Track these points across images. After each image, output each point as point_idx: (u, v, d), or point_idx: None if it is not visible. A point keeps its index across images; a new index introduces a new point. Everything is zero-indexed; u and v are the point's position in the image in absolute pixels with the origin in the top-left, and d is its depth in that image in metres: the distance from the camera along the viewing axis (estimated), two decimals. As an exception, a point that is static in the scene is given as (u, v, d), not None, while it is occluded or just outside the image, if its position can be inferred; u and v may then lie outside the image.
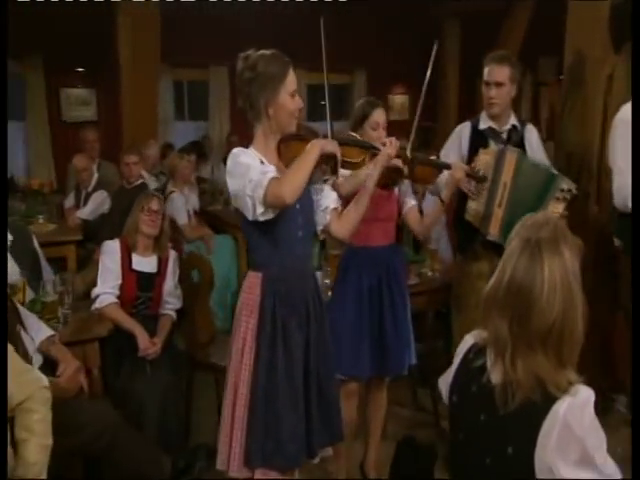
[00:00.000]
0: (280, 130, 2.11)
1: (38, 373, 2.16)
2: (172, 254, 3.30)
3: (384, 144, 2.35)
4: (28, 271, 3.19)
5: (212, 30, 7.42)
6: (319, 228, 2.25)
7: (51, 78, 7.16)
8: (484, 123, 3.02)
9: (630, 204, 2.78)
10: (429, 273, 3.64)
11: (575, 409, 1.28)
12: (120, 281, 3.10)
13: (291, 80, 2.08)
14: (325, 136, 2.17)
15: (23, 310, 2.69)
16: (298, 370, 2.09)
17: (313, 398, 2.13)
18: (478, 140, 2.99)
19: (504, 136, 3.00)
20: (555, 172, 2.91)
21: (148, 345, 2.99)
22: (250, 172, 1.97)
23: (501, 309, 1.39)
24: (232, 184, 2.02)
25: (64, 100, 7.30)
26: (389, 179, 2.51)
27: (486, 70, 2.92)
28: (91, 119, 7.34)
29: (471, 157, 2.90)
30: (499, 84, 2.90)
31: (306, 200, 2.14)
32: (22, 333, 2.53)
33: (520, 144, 2.99)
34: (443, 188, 2.76)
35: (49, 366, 2.53)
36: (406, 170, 2.47)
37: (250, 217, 1.98)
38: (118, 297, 3.08)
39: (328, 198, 2.25)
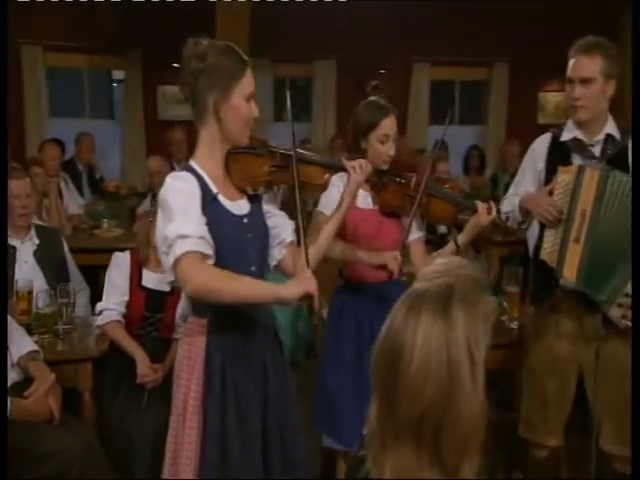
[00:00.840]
0: (230, 139, 1.84)
1: None
2: None
3: (353, 168, 2.00)
4: (52, 278, 3.05)
5: (317, 20, 6.91)
6: (273, 263, 1.98)
7: (149, 75, 6.98)
8: (568, 133, 2.39)
9: None
10: (506, 322, 2.90)
11: None
12: (127, 298, 2.80)
13: (248, 82, 1.83)
14: (282, 153, 1.92)
15: (8, 320, 2.52)
16: (256, 439, 1.81)
17: (275, 467, 1.85)
18: (558, 155, 2.40)
19: (595, 149, 2.35)
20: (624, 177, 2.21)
21: (147, 372, 2.63)
22: (171, 223, 1.71)
23: (373, 381, 1.10)
24: (159, 220, 1.77)
25: (160, 98, 7.08)
26: (396, 207, 2.35)
27: (570, 63, 2.32)
28: (186, 118, 7.06)
29: (549, 178, 2.37)
30: (585, 80, 2.27)
31: (259, 227, 1.91)
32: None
33: (619, 159, 2.30)
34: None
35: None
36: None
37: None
38: (124, 315, 2.76)
39: (285, 229, 1.98)
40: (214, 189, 1.81)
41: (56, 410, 2.36)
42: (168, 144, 5.67)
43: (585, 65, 2.27)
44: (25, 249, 3.10)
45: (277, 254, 1.98)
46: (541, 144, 2.47)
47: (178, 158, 5.34)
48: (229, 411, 1.76)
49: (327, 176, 2.01)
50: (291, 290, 1.68)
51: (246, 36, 5.89)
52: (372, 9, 6.93)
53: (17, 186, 3.03)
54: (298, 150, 1.94)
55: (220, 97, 1.78)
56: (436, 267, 1.11)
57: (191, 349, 1.81)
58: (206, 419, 1.76)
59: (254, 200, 1.93)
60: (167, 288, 2.73)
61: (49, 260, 3.15)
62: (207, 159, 1.84)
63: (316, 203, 2.51)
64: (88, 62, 6.80)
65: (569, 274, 2.25)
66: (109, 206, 5.26)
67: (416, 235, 2.48)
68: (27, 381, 2.43)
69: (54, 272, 3.11)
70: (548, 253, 2.29)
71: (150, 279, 2.77)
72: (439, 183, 2.54)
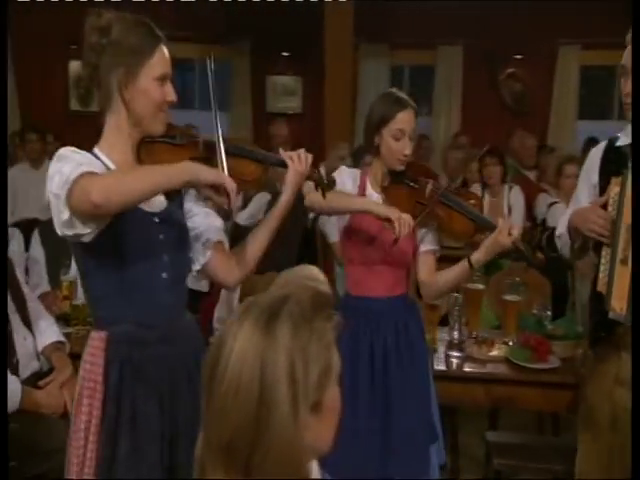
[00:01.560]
0: (139, 125, 1.65)
1: None
2: None
3: (291, 158, 1.78)
4: None
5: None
6: (196, 267, 1.79)
7: (257, 65, 6.78)
8: (626, 137, 2.07)
9: None
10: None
11: None
12: None
13: (160, 61, 1.63)
14: (206, 141, 1.70)
15: (36, 309, 2.59)
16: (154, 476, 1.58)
17: None
18: (614, 165, 2.08)
19: None
20: None
21: None
22: (65, 165, 1.50)
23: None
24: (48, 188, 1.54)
25: (270, 89, 6.85)
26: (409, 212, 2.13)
27: (626, 51, 2.00)
28: (296, 111, 6.79)
29: (604, 188, 2.08)
30: None
31: (174, 228, 1.70)
32: (19, 333, 2.46)
33: None
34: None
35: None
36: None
37: (58, 230, 1.52)
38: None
39: (210, 228, 1.77)
40: (109, 164, 1.63)
41: (70, 404, 2.22)
42: (271, 138, 5.42)
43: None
44: None
45: (200, 257, 1.77)
46: (596, 153, 2.17)
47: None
48: (122, 440, 1.56)
49: (260, 171, 1.77)
50: (209, 171, 1.55)
51: (350, 21, 5.61)
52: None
53: None
54: (230, 141, 1.72)
55: (125, 77, 1.59)
56: (283, 276, 1.03)
57: (91, 368, 1.62)
58: (100, 451, 1.57)
59: (173, 197, 1.71)
60: (204, 288, 2.36)
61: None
62: (113, 149, 1.65)
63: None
64: (198, 52, 6.71)
65: (618, 305, 1.93)
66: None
67: (427, 247, 2.28)
68: (50, 372, 2.44)
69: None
70: (603, 284, 1.98)
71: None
72: (460, 196, 2.27)
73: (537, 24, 6.27)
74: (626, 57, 1.99)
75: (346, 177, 2.29)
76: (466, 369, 2.50)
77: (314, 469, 1.09)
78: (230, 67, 6.96)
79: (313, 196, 2.08)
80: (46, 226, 3.26)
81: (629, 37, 1.98)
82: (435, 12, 6.37)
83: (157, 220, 1.65)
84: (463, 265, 2.17)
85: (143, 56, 1.60)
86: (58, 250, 2.96)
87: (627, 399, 1.94)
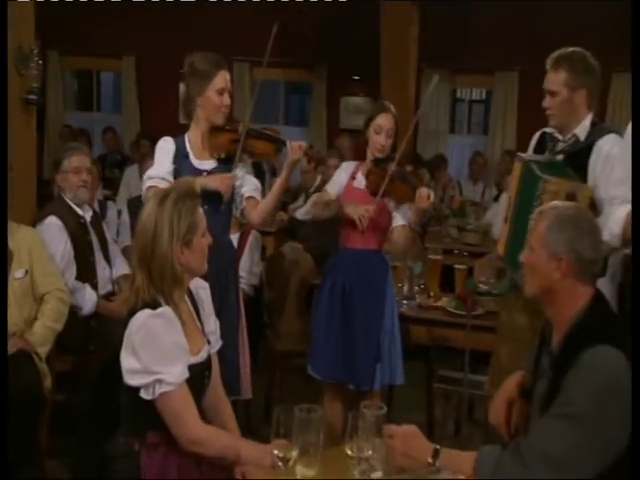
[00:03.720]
0: (207, 120, 2.60)
1: (60, 279, 3.02)
2: (254, 234, 3.65)
3: (292, 146, 2.59)
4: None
5: (499, 29, 6.87)
6: (237, 212, 2.72)
7: (333, 87, 7.54)
8: (549, 129, 2.63)
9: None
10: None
11: None
12: None
13: (220, 81, 2.56)
14: (242, 129, 2.61)
15: (116, 251, 3.58)
16: None
17: None
18: (539, 147, 2.67)
19: (562, 145, 2.55)
20: (536, 171, 2.37)
21: None
22: (156, 163, 2.63)
23: None
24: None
25: (343, 108, 7.60)
26: (373, 188, 2.82)
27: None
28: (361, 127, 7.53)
29: None
30: (552, 93, 2.48)
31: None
32: (100, 264, 3.37)
33: (577, 156, 2.48)
34: None
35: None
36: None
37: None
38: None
39: (246, 186, 2.70)
40: (188, 149, 2.64)
41: None
42: (338, 149, 6.07)
43: (550, 79, 2.48)
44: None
45: (239, 204, 2.68)
46: (535, 136, 2.70)
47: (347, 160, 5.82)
48: None
49: (271, 149, 2.72)
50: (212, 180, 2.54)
51: (410, 45, 6.23)
52: (564, 11, 6.55)
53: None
54: (252, 128, 2.67)
55: (198, 90, 2.56)
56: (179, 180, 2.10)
57: None
58: None
59: (224, 163, 2.64)
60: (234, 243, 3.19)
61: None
62: (192, 132, 2.66)
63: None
64: (284, 75, 7.67)
65: (499, 249, 2.57)
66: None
67: (400, 222, 2.89)
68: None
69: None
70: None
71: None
72: (411, 174, 3.03)
73: (593, 51, 6.66)
74: (544, 82, 2.51)
75: (343, 169, 3.02)
76: (411, 313, 3.19)
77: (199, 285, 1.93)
78: (310, 89, 7.85)
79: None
80: (133, 200, 4.32)
81: (548, 62, 2.51)
82: (493, 40, 6.92)
83: (205, 174, 2.59)
84: (406, 228, 2.88)
85: (209, 77, 2.54)
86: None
87: (522, 321, 2.57)
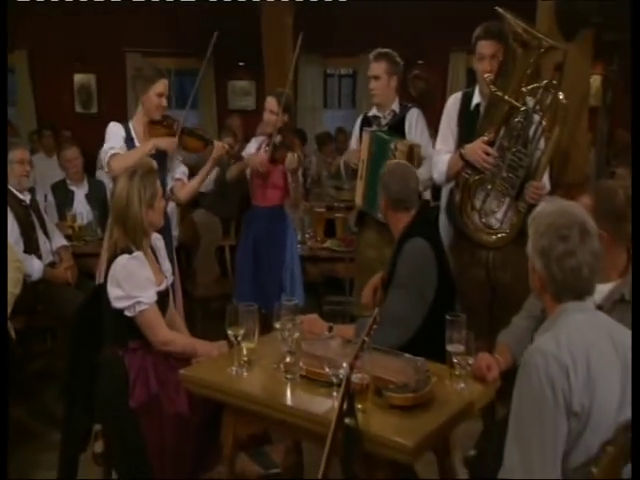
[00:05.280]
0: (147, 115, 3.23)
1: (14, 252, 3.39)
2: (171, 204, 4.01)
3: (217, 145, 3.37)
4: (97, 212, 4.59)
5: (363, 18, 7.75)
6: (168, 188, 3.32)
7: (220, 72, 8.08)
8: (371, 111, 3.45)
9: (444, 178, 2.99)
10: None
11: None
12: None
13: (159, 86, 3.17)
14: (177, 125, 3.24)
15: (53, 228, 4.04)
16: None
17: None
18: (365, 125, 3.40)
19: (384, 120, 3.35)
20: (386, 137, 3.14)
21: None
22: (111, 139, 3.19)
23: None
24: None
25: (230, 91, 8.28)
26: (276, 157, 3.51)
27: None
28: (250, 108, 8.20)
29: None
30: (376, 77, 3.28)
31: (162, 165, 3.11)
32: (41, 239, 3.86)
33: (397, 126, 3.29)
34: None
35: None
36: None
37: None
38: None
39: (175, 170, 3.38)
40: (133, 134, 3.24)
41: (71, 279, 3.79)
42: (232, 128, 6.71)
43: (374, 67, 3.30)
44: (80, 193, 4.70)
45: (168, 184, 3.34)
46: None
47: (239, 139, 6.40)
48: None
49: (200, 145, 3.36)
50: (165, 142, 3.22)
51: (286, 34, 6.83)
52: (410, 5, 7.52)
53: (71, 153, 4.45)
54: (185, 126, 3.33)
55: (143, 91, 3.19)
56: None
57: None
58: None
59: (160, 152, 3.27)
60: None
61: (96, 201, 4.69)
62: (135, 121, 3.29)
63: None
64: (174, 63, 8.13)
65: (358, 201, 3.32)
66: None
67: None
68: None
69: (99, 208, 4.57)
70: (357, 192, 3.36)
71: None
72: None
73: (433, 35, 7.70)
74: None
75: (252, 144, 3.86)
76: (304, 253, 4.01)
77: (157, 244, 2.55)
78: (199, 74, 8.35)
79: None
80: (58, 184, 4.80)
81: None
82: (359, 27, 7.76)
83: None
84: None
85: (152, 82, 3.15)
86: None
87: (370, 254, 3.35)
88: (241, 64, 8.13)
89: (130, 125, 3.25)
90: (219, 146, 3.30)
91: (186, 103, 3.61)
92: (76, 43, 7.80)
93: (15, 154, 3.72)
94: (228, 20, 7.58)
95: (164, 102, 3.21)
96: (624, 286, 2.00)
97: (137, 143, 3.23)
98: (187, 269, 4.49)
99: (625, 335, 1.59)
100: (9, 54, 8.07)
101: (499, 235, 2.87)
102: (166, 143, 3.15)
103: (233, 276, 3.93)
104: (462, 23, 7.51)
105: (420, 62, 7.89)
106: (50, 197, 4.74)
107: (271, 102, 3.62)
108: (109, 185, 4.53)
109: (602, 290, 2.01)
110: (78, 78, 8.12)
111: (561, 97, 2.66)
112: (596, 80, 8.21)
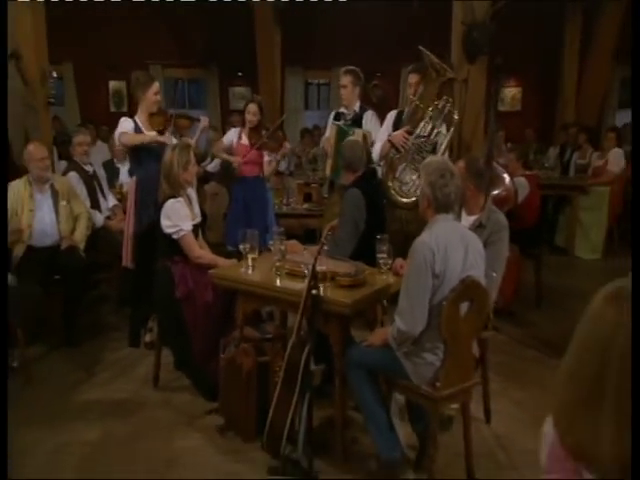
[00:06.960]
0: (147, 109, 3.67)
1: (85, 206, 4.13)
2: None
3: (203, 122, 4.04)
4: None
5: (336, 37, 8.36)
6: None
7: (223, 80, 8.71)
8: (340, 109, 4.14)
9: (378, 157, 3.73)
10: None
11: None
12: None
13: (154, 86, 3.64)
14: (170, 114, 3.78)
15: (107, 190, 4.75)
16: None
17: None
18: (335, 119, 4.13)
19: (349, 117, 4.03)
20: (346, 128, 3.85)
21: None
22: (123, 127, 3.62)
23: None
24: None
25: (231, 95, 8.88)
26: (255, 142, 4.20)
27: None
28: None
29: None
30: (344, 86, 3.99)
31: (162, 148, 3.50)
32: (101, 199, 4.51)
33: (356, 121, 3.98)
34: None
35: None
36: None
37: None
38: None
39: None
40: (140, 125, 3.66)
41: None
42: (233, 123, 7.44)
43: (343, 79, 4.01)
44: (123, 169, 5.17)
45: None
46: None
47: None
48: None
49: (189, 122, 4.06)
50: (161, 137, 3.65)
51: (275, 49, 7.51)
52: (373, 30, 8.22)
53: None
54: (177, 113, 3.91)
55: (142, 92, 3.63)
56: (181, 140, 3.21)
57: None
58: None
59: (160, 133, 3.70)
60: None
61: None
62: (138, 116, 3.69)
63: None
64: (187, 74, 8.74)
65: (328, 171, 3.99)
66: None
67: (266, 159, 4.39)
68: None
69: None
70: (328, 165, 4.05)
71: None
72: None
73: (389, 54, 8.34)
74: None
75: (232, 132, 4.50)
76: (288, 211, 4.76)
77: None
78: (206, 82, 8.95)
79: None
80: (107, 162, 5.47)
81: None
82: (333, 47, 8.39)
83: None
84: (272, 163, 4.44)
85: (148, 85, 3.66)
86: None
87: (336, 209, 3.99)
88: (240, 74, 8.74)
89: (136, 118, 3.69)
90: (203, 119, 3.94)
91: (197, 105, 4.33)
92: (110, 58, 8.37)
93: (77, 138, 4.43)
94: (229, 39, 8.26)
95: (159, 98, 3.68)
96: (482, 217, 2.79)
97: (143, 130, 3.69)
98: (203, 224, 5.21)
99: (469, 235, 2.36)
100: (58, 66, 8.76)
101: (411, 199, 3.64)
102: (163, 139, 3.59)
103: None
104: (411, 45, 8.36)
105: (378, 74, 8.53)
106: (102, 171, 5.40)
107: (253, 107, 4.25)
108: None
109: (469, 219, 2.82)
110: (112, 85, 8.74)
111: (452, 109, 3.50)
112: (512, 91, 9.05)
